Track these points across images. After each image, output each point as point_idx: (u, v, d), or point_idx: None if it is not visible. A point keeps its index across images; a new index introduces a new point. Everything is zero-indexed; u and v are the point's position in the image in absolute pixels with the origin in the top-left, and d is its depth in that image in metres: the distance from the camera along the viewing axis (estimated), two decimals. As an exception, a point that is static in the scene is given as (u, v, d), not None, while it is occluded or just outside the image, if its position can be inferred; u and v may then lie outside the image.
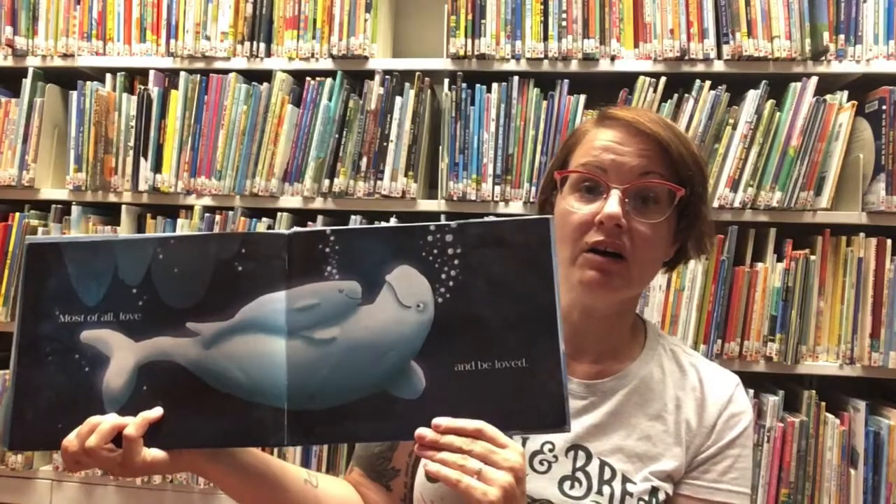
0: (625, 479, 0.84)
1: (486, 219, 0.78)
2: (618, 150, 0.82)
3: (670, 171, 0.82)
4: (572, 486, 0.84)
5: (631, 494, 0.83)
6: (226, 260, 0.78)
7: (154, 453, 0.74)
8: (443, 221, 0.76)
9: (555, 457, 0.85)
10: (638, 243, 0.80)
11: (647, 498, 0.83)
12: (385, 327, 0.75)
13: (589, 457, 0.85)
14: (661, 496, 0.84)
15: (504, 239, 0.76)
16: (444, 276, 0.75)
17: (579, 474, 0.85)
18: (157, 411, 0.75)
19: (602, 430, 0.86)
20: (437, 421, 0.71)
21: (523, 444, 0.86)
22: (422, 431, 0.71)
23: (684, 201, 0.83)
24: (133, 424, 0.73)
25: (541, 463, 0.85)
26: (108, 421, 0.73)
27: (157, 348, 0.78)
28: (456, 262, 0.75)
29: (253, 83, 1.82)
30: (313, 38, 1.81)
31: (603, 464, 0.84)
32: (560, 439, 0.86)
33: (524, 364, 0.74)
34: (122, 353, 0.78)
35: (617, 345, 0.89)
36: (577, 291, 0.85)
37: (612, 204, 0.80)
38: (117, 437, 0.74)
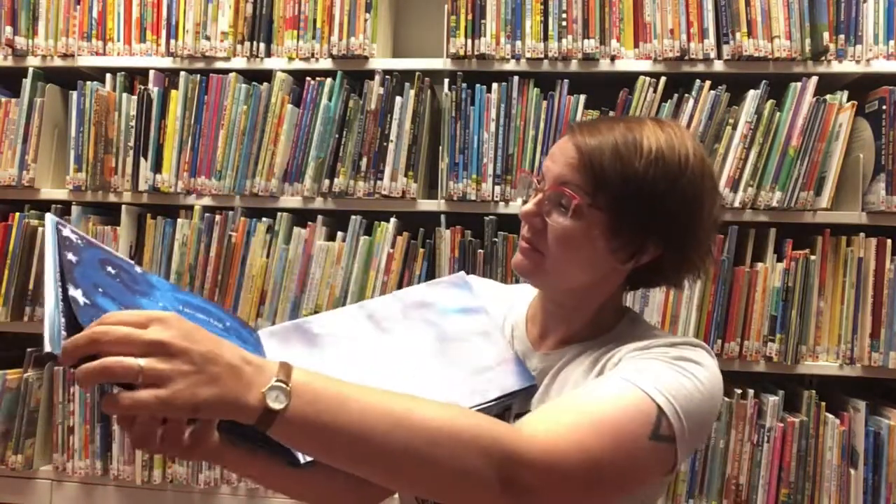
0: None
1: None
2: (554, 157, 0.88)
3: (590, 184, 0.84)
4: None
5: None
6: None
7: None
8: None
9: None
10: (551, 241, 0.86)
11: None
12: None
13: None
14: None
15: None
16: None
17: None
18: None
19: (544, 396, 0.90)
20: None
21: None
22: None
23: (623, 212, 0.83)
24: None
25: None
26: None
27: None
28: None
29: (253, 83, 1.82)
30: (313, 38, 1.81)
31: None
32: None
33: None
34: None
35: (580, 331, 0.92)
36: None
37: (528, 204, 0.89)
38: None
